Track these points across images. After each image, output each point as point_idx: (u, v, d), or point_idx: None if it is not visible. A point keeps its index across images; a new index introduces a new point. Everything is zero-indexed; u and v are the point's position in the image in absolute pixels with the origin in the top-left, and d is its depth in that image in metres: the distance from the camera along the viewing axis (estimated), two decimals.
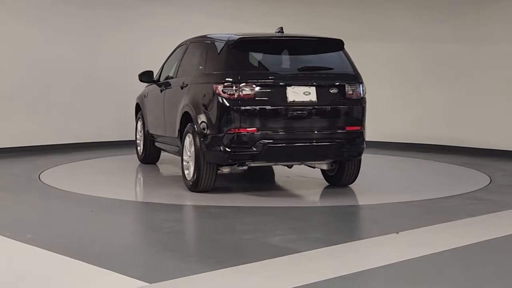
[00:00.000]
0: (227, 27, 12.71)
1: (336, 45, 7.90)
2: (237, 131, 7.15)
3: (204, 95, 7.56)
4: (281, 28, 8.19)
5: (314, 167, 8.25)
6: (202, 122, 7.47)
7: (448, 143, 12.02)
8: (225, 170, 7.63)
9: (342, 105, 7.56)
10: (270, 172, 9.51)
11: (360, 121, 7.69)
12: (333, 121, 7.54)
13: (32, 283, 4.56)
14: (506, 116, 11.35)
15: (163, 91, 9.07)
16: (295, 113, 7.35)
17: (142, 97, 10.16)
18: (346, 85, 7.57)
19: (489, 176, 9.18)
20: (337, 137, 7.51)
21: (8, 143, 11.12)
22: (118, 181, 8.57)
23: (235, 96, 7.18)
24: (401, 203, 7.42)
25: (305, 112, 7.39)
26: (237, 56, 7.48)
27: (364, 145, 7.81)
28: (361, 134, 7.70)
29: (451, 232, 6.10)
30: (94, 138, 12.18)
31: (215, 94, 7.28)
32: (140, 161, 10.14)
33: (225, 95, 7.21)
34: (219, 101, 7.24)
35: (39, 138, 11.49)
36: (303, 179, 8.89)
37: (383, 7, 12.80)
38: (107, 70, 12.32)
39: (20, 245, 5.42)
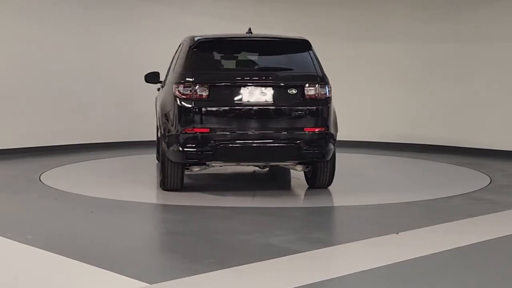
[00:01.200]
0: (228, 28, 12.71)
1: (301, 45, 7.80)
2: (192, 131, 7.27)
3: (167, 96, 7.74)
4: (250, 29, 8.17)
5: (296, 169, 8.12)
6: (164, 122, 7.67)
7: (448, 143, 12.03)
8: (195, 169, 7.76)
9: (301, 106, 7.44)
10: (271, 173, 9.52)
11: (322, 122, 7.51)
12: (289, 122, 7.45)
13: (33, 284, 4.56)
14: (505, 116, 11.36)
15: (159, 92, 9.18)
16: (249, 113, 7.37)
17: (157, 97, 10.24)
18: (306, 86, 7.44)
19: (489, 176, 9.18)
20: (293, 138, 7.38)
21: (9, 144, 11.12)
22: (118, 182, 8.58)
23: (190, 96, 7.30)
24: (401, 203, 7.42)
25: (260, 113, 7.38)
26: (196, 57, 7.57)
27: (330, 147, 7.59)
28: (323, 135, 7.50)
29: (451, 232, 6.10)
30: (94, 139, 12.18)
31: (173, 95, 7.42)
32: (157, 159, 10.16)
33: (182, 96, 7.34)
34: (176, 102, 7.37)
35: (39, 139, 11.49)
36: (303, 181, 8.90)
37: (383, 7, 12.80)
38: (108, 71, 12.33)
39: (20, 246, 5.42)
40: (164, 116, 7.72)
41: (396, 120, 12.70)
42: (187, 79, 7.37)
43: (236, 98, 7.35)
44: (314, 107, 7.46)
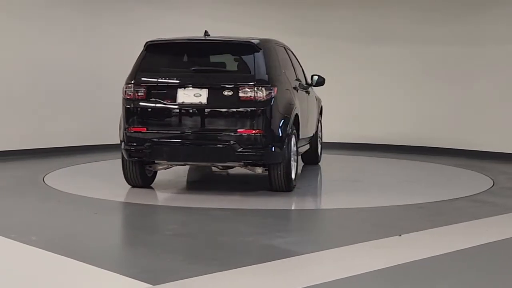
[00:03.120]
0: (228, 29, 12.74)
1: (247, 47, 7.80)
2: (132, 130, 7.63)
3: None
4: (206, 31, 8.30)
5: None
6: (120, 121, 7.97)
7: (450, 145, 12.02)
8: (157, 168, 8.09)
9: (235, 108, 7.45)
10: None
11: (259, 124, 7.45)
12: (223, 123, 7.51)
13: (36, 285, 4.57)
14: (509, 118, 11.34)
15: None
16: (184, 114, 7.55)
17: None
18: (241, 88, 7.45)
19: (491, 179, 9.17)
20: (226, 139, 7.43)
21: (13, 146, 11.14)
22: (122, 184, 8.58)
23: (132, 97, 7.66)
24: (404, 205, 7.42)
25: (194, 113, 7.52)
26: (145, 58, 7.85)
27: (271, 150, 7.53)
28: (260, 138, 7.45)
29: (454, 234, 6.11)
30: (99, 140, 12.19)
31: (122, 96, 7.83)
32: None
33: (126, 96, 7.74)
34: (123, 102, 7.79)
35: (43, 141, 11.51)
36: (304, 182, 8.90)
37: (383, 10, 12.80)
38: (110, 73, 12.33)
39: (24, 247, 5.43)
40: (120, 117, 8.05)
41: (398, 122, 12.70)
42: (130, 80, 7.74)
43: (172, 99, 7.56)
44: (250, 109, 7.44)
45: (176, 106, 7.55)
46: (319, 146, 10.64)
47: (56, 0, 11.72)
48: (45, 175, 9.17)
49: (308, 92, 9.48)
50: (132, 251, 5.43)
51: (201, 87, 7.51)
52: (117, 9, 12.53)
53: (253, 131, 7.41)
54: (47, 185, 8.52)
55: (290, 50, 9.63)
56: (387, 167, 10.82)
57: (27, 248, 5.40)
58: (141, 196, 7.99)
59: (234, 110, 7.46)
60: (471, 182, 9.22)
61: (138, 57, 7.96)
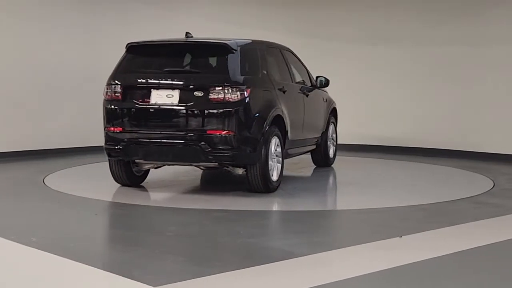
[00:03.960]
0: (228, 31, 12.73)
1: (222, 49, 7.83)
2: (111, 129, 7.83)
3: None
4: (187, 32, 8.40)
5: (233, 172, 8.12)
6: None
7: (452, 147, 12.01)
8: (145, 167, 8.26)
9: (206, 109, 7.49)
10: None
11: (230, 125, 7.48)
12: (194, 124, 7.58)
13: (37, 286, 4.57)
14: (510, 119, 11.34)
15: None
16: (157, 114, 7.67)
17: None
18: (212, 89, 7.48)
19: (492, 180, 9.17)
20: (196, 139, 7.49)
21: (12, 147, 11.14)
22: (121, 185, 8.58)
23: (110, 97, 7.87)
24: (404, 207, 7.42)
25: (166, 114, 7.63)
26: (126, 60, 8.05)
27: (244, 151, 7.58)
28: (230, 139, 7.47)
29: (455, 235, 6.10)
30: (99, 141, 12.15)
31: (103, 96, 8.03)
32: None
33: (105, 97, 7.93)
34: (103, 102, 7.96)
35: (43, 142, 11.50)
36: (306, 184, 8.91)
37: (386, 11, 12.80)
38: (110, 73, 12.33)
39: (24, 248, 5.43)
40: None
41: (400, 124, 12.69)
42: (108, 81, 7.94)
43: (146, 100, 7.69)
44: (220, 110, 7.47)
45: (150, 107, 7.67)
46: (331, 148, 10.51)
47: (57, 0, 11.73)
48: (45, 177, 9.16)
49: (307, 94, 9.44)
50: (133, 253, 5.43)
51: (173, 88, 7.63)
52: (118, 9, 12.52)
53: (223, 132, 7.45)
54: (47, 186, 8.52)
55: (291, 53, 9.62)
56: (386, 168, 10.81)
57: (28, 249, 5.40)
58: (142, 198, 8.00)
59: (204, 111, 7.50)
60: (472, 183, 9.21)
61: (120, 58, 8.13)
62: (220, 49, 7.82)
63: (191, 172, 9.53)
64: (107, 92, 7.92)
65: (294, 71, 9.53)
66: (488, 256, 5.40)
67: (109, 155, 7.98)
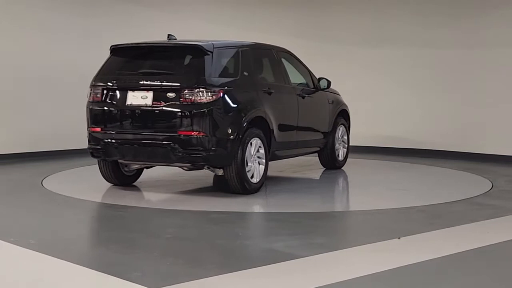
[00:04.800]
0: (227, 33, 12.75)
1: (197, 50, 7.89)
2: (92, 130, 8.10)
3: None
4: (169, 35, 8.52)
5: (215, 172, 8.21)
6: None
7: (452, 148, 12.01)
8: (133, 166, 8.47)
9: (177, 110, 7.60)
10: (273, 176, 9.52)
11: (200, 127, 7.56)
12: (166, 125, 7.70)
13: None
14: (507, 121, 11.34)
15: None
16: (132, 115, 7.85)
17: None
18: (183, 90, 7.59)
19: (491, 182, 9.17)
20: (168, 140, 7.62)
21: (10, 149, 11.14)
22: (121, 187, 8.59)
23: (91, 98, 8.13)
24: (402, 208, 7.42)
25: (141, 115, 7.79)
26: (108, 62, 8.28)
27: (215, 152, 7.63)
28: (201, 140, 7.56)
29: (453, 237, 6.11)
30: None
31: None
32: None
33: (88, 98, 8.19)
34: (86, 103, 8.22)
35: (42, 144, 11.50)
36: (305, 186, 8.91)
37: (386, 13, 12.80)
38: None
39: (23, 251, 5.43)
40: None
41: (398, 125, 12.70)
42: (91, 83, 8.20)
43: (122, 101, 7.89)
44: (191, 112, 7.56)
45: (126, 108, 7.86)
46: (341, 150, 10.41)
47: (57, 3, 11.73)
48: (44, 178, 9.17)
49: (303, 96, 9.36)
50: (131, 255, 5.43)
51: (147, 89, 7.78)
52: (117, 12, 12.52)
53: (194, 133, 7.55)
54: (45, 188, 8.52)
55: (291, 55, 9.59)
56: (385, 170, 10.82)
57: (26, 251, 5.39)
58: (140, 200, 8.00)
59: (176, 112, 7.61)
60: (470, 185, 9.22)
61: (105, 60, 8.33)
62: (195, 51, 7.91)
63: (187, 173, 9.53)
64: (90, 93, 8.14)
65: (296, 73, 9.52)
66: (486, 258, 5.41)
67: (92, 155, 8.20)
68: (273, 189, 8.54)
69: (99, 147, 8.01)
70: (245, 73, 8.32)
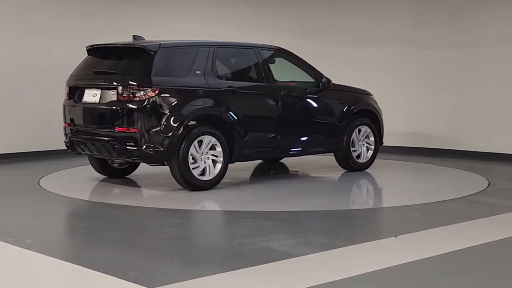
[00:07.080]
0: (227, 34, 12.76)
1: (142, 51, 8.18)
2: (64, 125, 8.78)
3: None
4: (134, 36, 8.84)
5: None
6: None
7: (447, 146, 12.01)
8: (116, 160, 8.93)
9: (115, 107, 8.04)
10: (273, 176, 9.53)
11: (135, 124, 7.89)
12: (108, 121, 8.16)
13: None
14: (507, 119, 11.35)
15: None
16: (86, 112, 8.48)
17: None
18: (119, 88, 7.99)
19: (487, 180, 9.19)
20: (108, 136, 8.08)
21: (7, 149, 11.12)
22: (118, 186, 8.60)
23: (66, 96, 8.79)
24: (399, 206, 7.43)
25: (92, 112, 8.39)
26: (83, 62, 8.84)
27: (150, 149, 7.84)
28: (135, 136, 7.86)
29: (450, 235, 6.12)
30: None
31: None
32: None
33: (65, 95, 8.82)
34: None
35: (38, 144, 11.48)
36: (303, 185, 8.92)
37: (381, 13, 12.81)
38: None
39: (20, 251, 5.43)
40: None
41: (396, 124, 12.70)
42: (67, 80, 8.80)
43: (80, 98, 8.51)
44: (127, 109, 7.93)
45: (82, 105, 8.46)
46: (363, 151, 9.93)
47: (55, 2, 11.71)
48: (41, 178, 9.16)
49: (292, 96, 9.16)
50: (129, 254, 5.43)
51: (96, 88, 8.28)
52: (116, 13, 12.50)
53: (129, 130, 7.92)
54: (43, 188, 8.52)
55: (288, 54, 9.50)
56: (383, 168, 10.82)
57: (23, 251, 5.40)
58: (137, 199, 8.00)
59: (115, 109, 8.04)
60: (467, 183, 9.22)
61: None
62: (139, 51, 8.22)
63: None
64: (66, 90, 8.78)
65: (295, 72, 9.45)
66: (483, 256, 5.42)
67: (66, 148, 8.84)
68: (273, 189, 8.54)
69: (67, 141, 8.68)
70: (198, 72, 8.33)
